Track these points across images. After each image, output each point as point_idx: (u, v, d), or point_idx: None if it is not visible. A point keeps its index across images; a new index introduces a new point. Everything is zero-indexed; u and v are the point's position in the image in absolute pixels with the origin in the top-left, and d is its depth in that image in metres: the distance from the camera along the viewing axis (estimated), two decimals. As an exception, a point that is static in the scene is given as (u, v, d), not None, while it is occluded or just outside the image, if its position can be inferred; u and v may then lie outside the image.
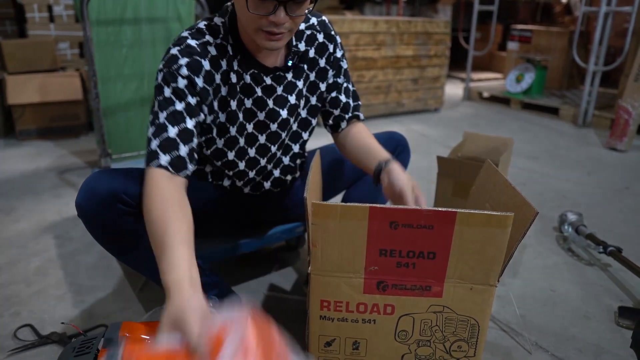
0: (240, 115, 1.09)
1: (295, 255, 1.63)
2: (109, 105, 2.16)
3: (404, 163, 1.38)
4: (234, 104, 1.07)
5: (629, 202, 2.19)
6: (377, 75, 3.54)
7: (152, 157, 0.94)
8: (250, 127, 1.11)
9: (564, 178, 2.47)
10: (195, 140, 0.99)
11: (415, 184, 1.04)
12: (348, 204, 0.87)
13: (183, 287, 0.79)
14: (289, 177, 1.28)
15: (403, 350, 0.97)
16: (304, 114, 1.20)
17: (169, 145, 0.94)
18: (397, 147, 1.35)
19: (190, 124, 0.98)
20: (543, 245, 1.75)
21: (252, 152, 1.15)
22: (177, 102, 0.97)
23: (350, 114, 1.24)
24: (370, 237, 0.89)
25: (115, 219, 0.99)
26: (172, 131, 0.95)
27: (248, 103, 1.09)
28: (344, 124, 1.24)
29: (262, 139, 1.14)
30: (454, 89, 4.91)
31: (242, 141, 1.11)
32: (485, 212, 0.86)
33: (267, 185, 1.25)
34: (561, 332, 1.28)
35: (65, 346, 0.84)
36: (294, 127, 1.20)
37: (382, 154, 1.12)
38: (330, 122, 1.25)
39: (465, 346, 0.96)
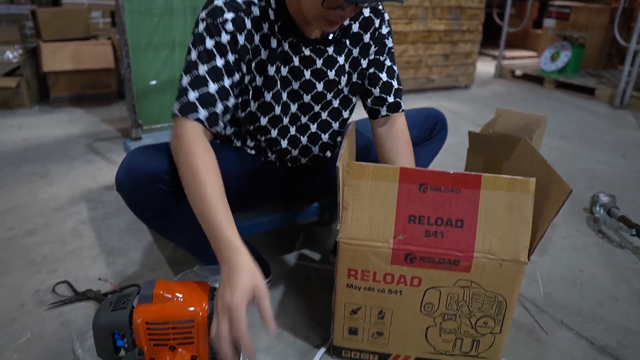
0: (278, 83, 1.08)
1: (326, 230, 1.64)
2: (139, 74, 2.18)
3: (441, 141, 1.36)
4: (271, 70, 1.06)
5: (665, 186, 2.13)
6: (407, 49, 3.47)
7: (190, 108, 0.94)
8: (284, 96, 1.11)
9: (597, 159, 2.40)
10: (232, 100, 1.00)
11: None
12: (380, 164, 0.93)
13: (242, 254, 0.84)
14: (328, 154, 1.27)
15: (428, 323, 0.98)
16: (346, 90, 1.18)
17: (208, 100, 0.95)
18: (436, 125, 1.33)
19: (227, 82, 0.98)
20: (573, 226, 1.72)
21: (285, 120, 1.14)
22: (218, 57, 0.97)
23: (391, 99, 1.18)
24: (400, 199, 0.92)
25: (156, 199, 1.00)
26: (212, 87, 0.96)
27: (284, 71, 1.08)
28: (383, 111, 1.18)
29: (293, 108, 1.14)
30: (485, 67, 4.79)
31: (277, 109, 1.11)
32: (509, 176, 0.90)
33: (303, 160, 1.24)
34: (588, 311, 1.27)
35: (102, 302, 0.88)
36: (335, 103, 1.18)
37: None
38: (369, 104, 1.19)
39: (491, 322, 0.96)
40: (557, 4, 4.61)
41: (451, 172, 0.92)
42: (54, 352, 1.08)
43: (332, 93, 1.15)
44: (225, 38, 0.97)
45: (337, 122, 1.22)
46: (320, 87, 1.12)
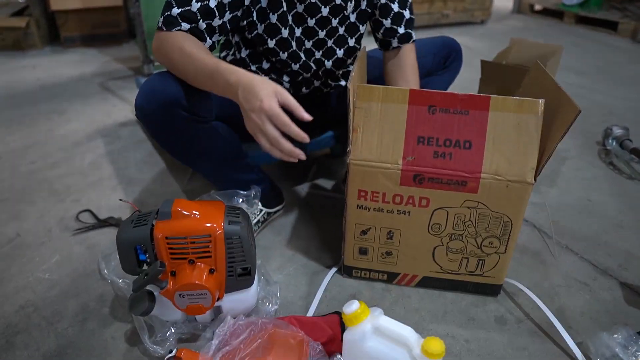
0: (284, 4, 1.08)
1: (338, 161, 1.66)
2: (149, 10, 2.15)
3: (456, 71, 1.35)
4: None
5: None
6: (422, -17, 3.36)
7: (173, 22, 0.96)
8: (290, 18, 1.10)
9: (613, 94, 2.36)
10: (217, 21, 1.00)
11: None
12: (389, 89, 0.94)
13: (246, 73, 0.86)
14: (342, 82, 1.28)
15: (435, 243, 1.02)
16: (352, 18, 1.16)
17: (189, 18, 0.97)
18: (450, 55, 1.32)
19: (212, 3, 0.98)
20: (584, 158, 1.73)
21: (293, 44, 1.14)
22: None
23: (402, 30, 1.17)
24: (409, 121, 0.94)
25: (175, 122, 1.01)
26: (195, 5, 0.97)
27: None
28: (394, 42, 1.18)
29: (298, 31, 1.13)
30: (503, 1, 4.61)
31: (284, 32, 1.10)
32: (517, 97, 0.91)
33: (316, 83, 1.24)
34: (593, 237, 1.30)
35: (124, 220, 0.92)
36: (340, 30, 1.17)
37: None
38: (380, 35, 1.19)
39: (496, 242, 1.00)
40: None
41: (459, 94, 0.93)
42: (81, 273, 1.15)
43: (337, 19, 1.14)
44: None
45: (342, 50, 1.20)
46: (325, 11, 1.11)
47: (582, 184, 1.57)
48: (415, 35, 1.21)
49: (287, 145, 0.84)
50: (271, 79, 1.21)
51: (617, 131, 1.75)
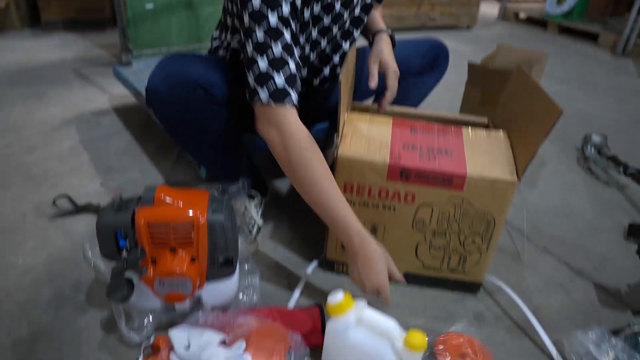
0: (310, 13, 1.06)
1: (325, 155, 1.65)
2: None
3: (443, 72, 1.36)
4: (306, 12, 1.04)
5: (657, 131, 2.16)
6: (410, -15, 3.38)
7: (283, 94, 0.90)
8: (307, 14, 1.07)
9: (593, 104, 2.41)
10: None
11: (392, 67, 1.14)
12: (375, 116, 1.10)
13: (368, 239, 0.91)
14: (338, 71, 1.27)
15: (418, 239, 1.02)
16: (357, 11, 1.17)
17: (292, 80, 0.92)
18: (439, 56, 1.32)
19: (297, 52, 0.94)
20: (564, 164, 1.76)
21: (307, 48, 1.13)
22: (284, 31, 0.91)
23: None
24: (394, 135, 1.03)
25: (192, 103, 0.99)
26: (292, 66, 0.92)
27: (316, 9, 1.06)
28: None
29: (314, 33, 1.11)
30: (489, 8, 4.68)
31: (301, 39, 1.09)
32: (485, 129, 1.08)
33: (316, 82, 1.24)
34: (570, 241, 1.33)
35: (105, 205, 0.91)
36: (347, 24, 1.17)
37: (377, 25, 1.22)
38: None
39: (479, 240, 1.01)
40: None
41: (436, 125, 1.09)
42: (57, 259, 1.12)
43: (346, 12, 1.13)
44: (286, 10, 0.91)
45: (348, 42, 1.21)
46: (338, 6, 1.10)
47: (561, 188, 1.60)
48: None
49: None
50: None
51: (596, 139, 1.79)
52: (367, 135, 1.01)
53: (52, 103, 1.94)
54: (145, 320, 0.94)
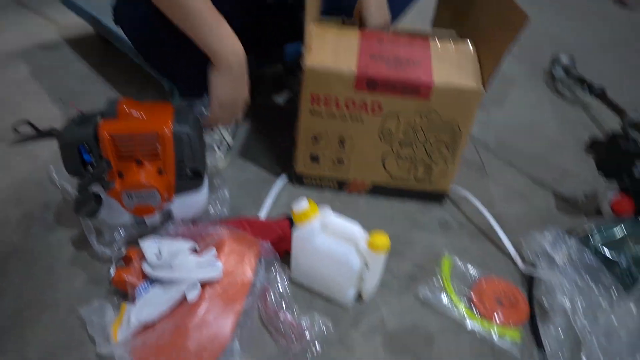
0: None
1: (292, 77, 1.63)
2: None
3: None
4: None
5: (624, 55, 2.18)
6: None
7: None
8: None
9: (563, 25, 2.41)
10: None
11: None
12: (343, 25, 1.05)
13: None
14: None
15: (386, 150, 1.03)
16: None
17: None
18: None
19: None
20: (531, 84, 1.78)
21: None
22: None
23: None
24: (361, 46, 1.00)
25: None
26: None
27: None
28: None
29: None
30: None
31: None
32: (452, 41, 1.04)
33: None
34: (533, 155, 1.37)
35: (67, 121, 0.88)
36: None
37: None
38: None
39: (445, 150, 1.03)
40: None
41: (402, 36, 1.05)
42: (23, 182, 1.10)
43: None
44: None
45: None
46: None
47: (528, 106, 1.63)
48: None
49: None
50: None
51: (564, 59, 1.80)
52: (334, 46, 0.98)
53: (7, 29, 1.82)
54: (117, 235, 0.94)
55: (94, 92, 1.46)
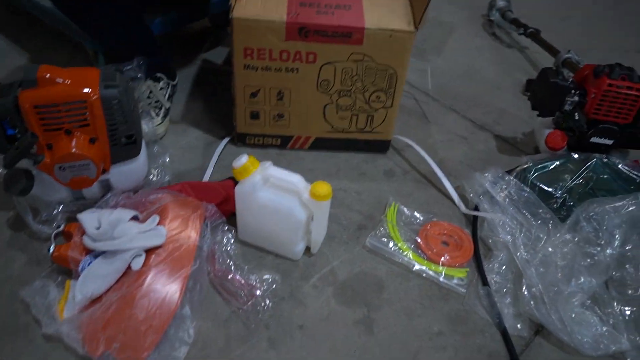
0: None
1: (224, 33, 1.58)
2: None
3: None
4: None
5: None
6: None
7: None
8: None
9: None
10: None
11: None
12: None
13: None
14: None
15: (325, 101, 1.03)
16: None
17: None
18: None
19: None
20: (470, 29, 1.80)
21: None
22: None
23: None
24: None
25: None
26: None
27: None
28: None
29: None
30: None
31: None
32: None
33: None
34: (473, 98, 1.39)
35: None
36: None
37: None
38: None
39: (383, 96, 1.03)
40: None
41: None
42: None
43: None
44: None
45: None
46: None
47: (467, 52, 1.64)
48: None
49: None
50: None
51: (500, 2, 1.82)
52: None
53: None
54: (55, 212, 0.91)
55: (19, 63, 1.37)
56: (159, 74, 1.18)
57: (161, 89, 1.18)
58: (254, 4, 0.93)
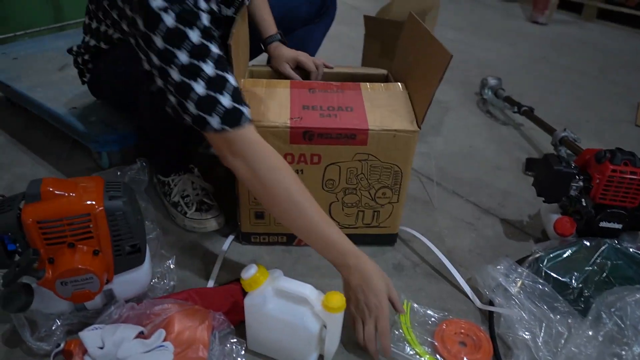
0: None
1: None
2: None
3: (331, 17, 1.35)
4: None
5: (545, 71, 2.31)
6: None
7: (235, 115, 0.81)
8: None
9: (487, 48, 2.53)
10: None
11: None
12: (272, 80, 1.06)
13: (364, 256, 0.86)
14: None
15: (331, 199, 1.02)
16: None
17: (238, 94, 0.83)
18: (323, 7, 1.31)
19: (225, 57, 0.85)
20: (465, 108, 1.84)
21: None
22: (211, 45, 0.80)
23: None
24: (293, 97, 1.00)
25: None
26: (231, 78, 0.82)
27: None
28: None
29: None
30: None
31: None
32: (383, 84, 1.08)
33: None
34: (475, 181, 1.40)
35: (-16, 209, 0.81)
36: None
37: (268, 30, 1.21)
38: None
39: (389, 192, 1.03)
40: None
41: (334, 83, 1.07)
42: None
43: None
44: (205, 19, 0.80)
45: None
46: None
47: (464, 132, 1.67)
48: None
49: (374, 347, 0.84)
50: None
51: (492, 81, 1.88)
52: (265, 100, 0.97)
53: None
54: (54, 326, 0.87)
55: (18, 163, 1.36)
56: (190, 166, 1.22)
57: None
58: (257, 109, 0.94)
